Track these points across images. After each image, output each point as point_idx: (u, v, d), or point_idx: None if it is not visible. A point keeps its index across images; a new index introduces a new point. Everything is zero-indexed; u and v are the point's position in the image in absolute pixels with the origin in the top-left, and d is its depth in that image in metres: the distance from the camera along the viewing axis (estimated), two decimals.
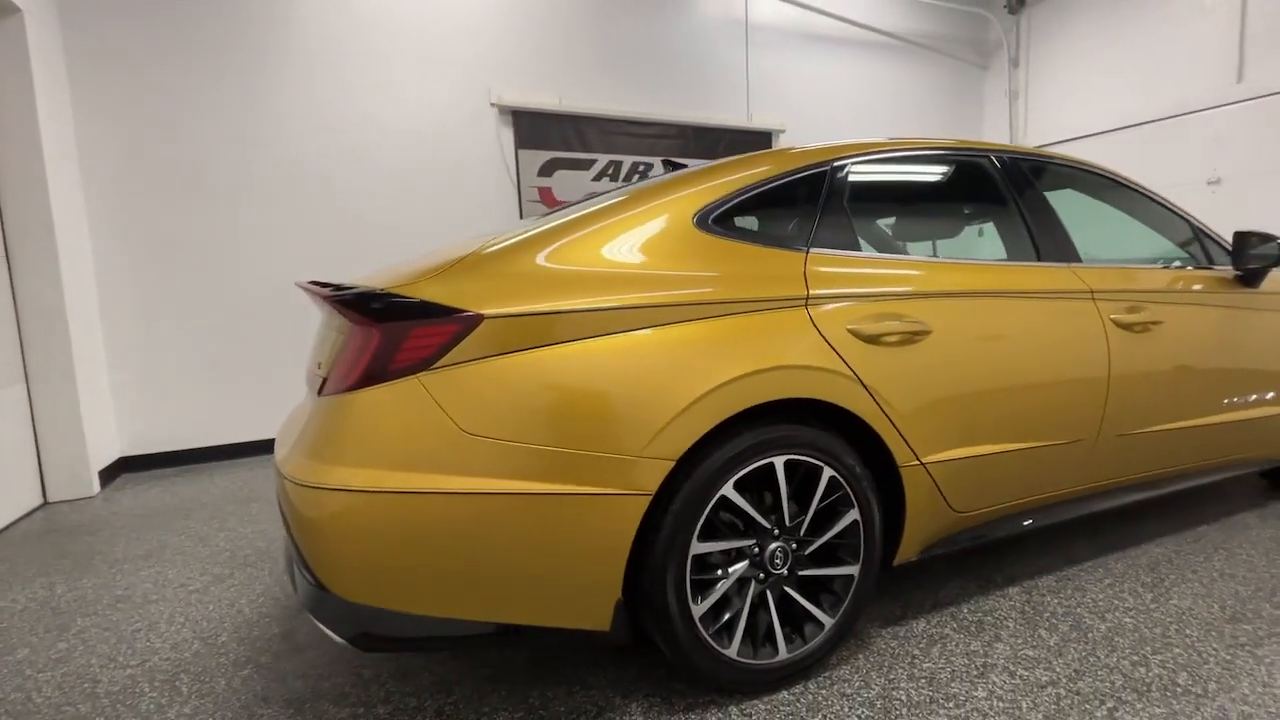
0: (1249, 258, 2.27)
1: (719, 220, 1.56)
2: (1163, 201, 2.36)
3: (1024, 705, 1.46)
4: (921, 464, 1.65)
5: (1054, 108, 5.98)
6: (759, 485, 1.49)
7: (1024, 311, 1.83)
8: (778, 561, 1.50)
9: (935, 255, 2.36)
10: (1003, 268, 1.90)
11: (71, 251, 3.35)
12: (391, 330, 1.25)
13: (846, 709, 1.46)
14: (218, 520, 2.89)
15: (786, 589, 1.53)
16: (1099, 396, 1.94)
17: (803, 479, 1.53)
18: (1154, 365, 2.06)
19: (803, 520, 1.53)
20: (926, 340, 1.65)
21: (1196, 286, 2.24)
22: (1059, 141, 5.82)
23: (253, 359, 3.94)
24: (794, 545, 1.53)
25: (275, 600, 2.09)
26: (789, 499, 1.50)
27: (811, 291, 1.55)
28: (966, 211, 2.36)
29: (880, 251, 1.99)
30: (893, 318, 1.61)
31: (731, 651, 1.46)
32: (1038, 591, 1.98)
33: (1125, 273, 2.09)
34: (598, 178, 4.73)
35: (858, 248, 1.72)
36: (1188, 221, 2.39)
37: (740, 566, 1.48)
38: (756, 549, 1.50)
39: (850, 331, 1.55)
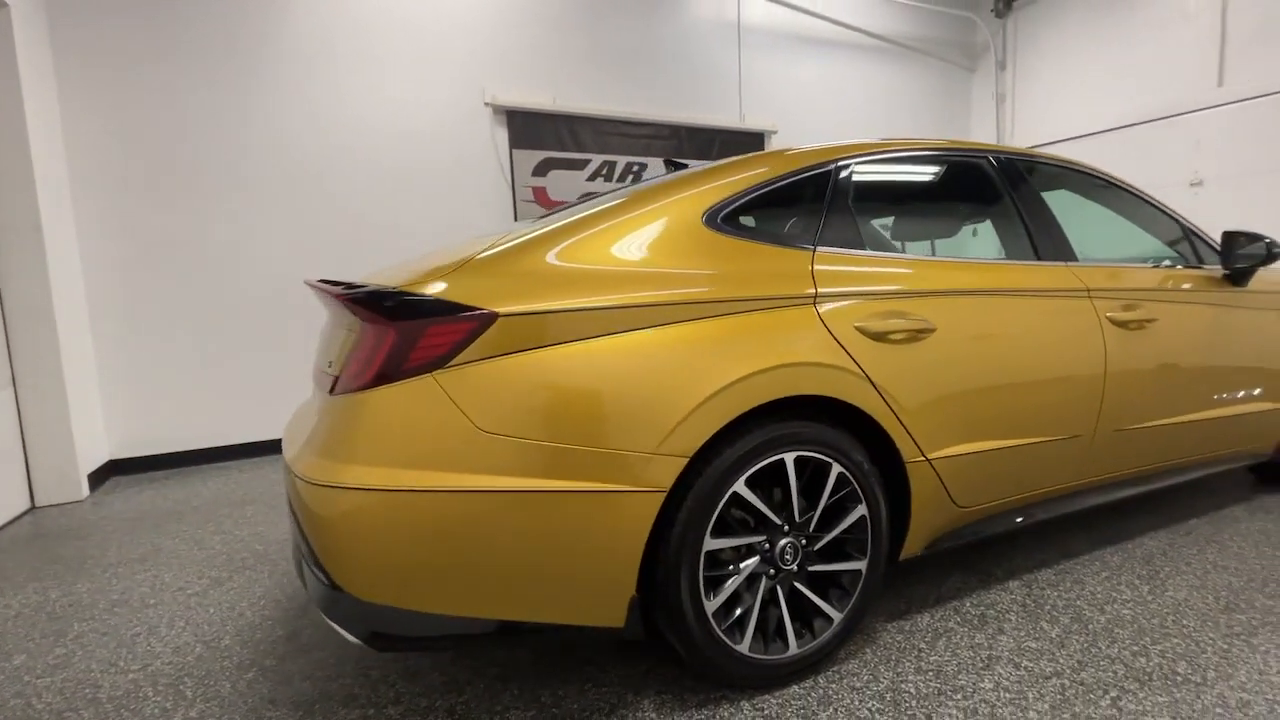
0: (1237, 257, 2.33)
1: (727, 219, 1.58)
2: (1153, 202, 2.41)
3: (1030, 696, 1.48)
4: (927, 460, 1.67)
5: (1040, 110, 6.08)
6: (769, 482, 1.50)
7: (1025, 310, 1.87)
8: (788, 557, 1.52)
9: (936, 254, 2.39)
10: (1004, 267, 1.93)
11: (59, 251, 3.29)
12: (407, 329, 1.25)
13: (857, 702, 1.48)
14: (212, 523, 2.85)
15: (796, 584, 1.55)
16: (1096, 393, 1.98)
17: (812, 475, 1.54)
18: (1148, 362, 2.10)
19: (812, 516, 1.55)
20: (931, 338, 1.67)
21: (1187, 285, 2.29)
22: (1045, 143, 5.91)
23: (244, 360, 3.89)
24: (803, 541, 1.55)
25: (276, 603, 2.07)
26: (798, 495, 1.52)
27: (819, 289, 1.56)
28: (966, 211, 2.39)
29: (883, 250, 2.01)
30: (898, 315, 1.63)
31: (743, 647, 1.47)
32: (1037, 585, 2.02)
33: (1120, 272, 2.13)
34: (592, 178, 4.74)
35: (862, 246, 1.74)
36: (1178, 221, 2.45)
37: (751, 562, 1.49)
38: (767, 545, 1.51)
39: (858, 329, 1.57)
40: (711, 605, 1.43)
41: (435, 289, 1.29)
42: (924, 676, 1.57)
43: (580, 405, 1.30)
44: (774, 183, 1.67)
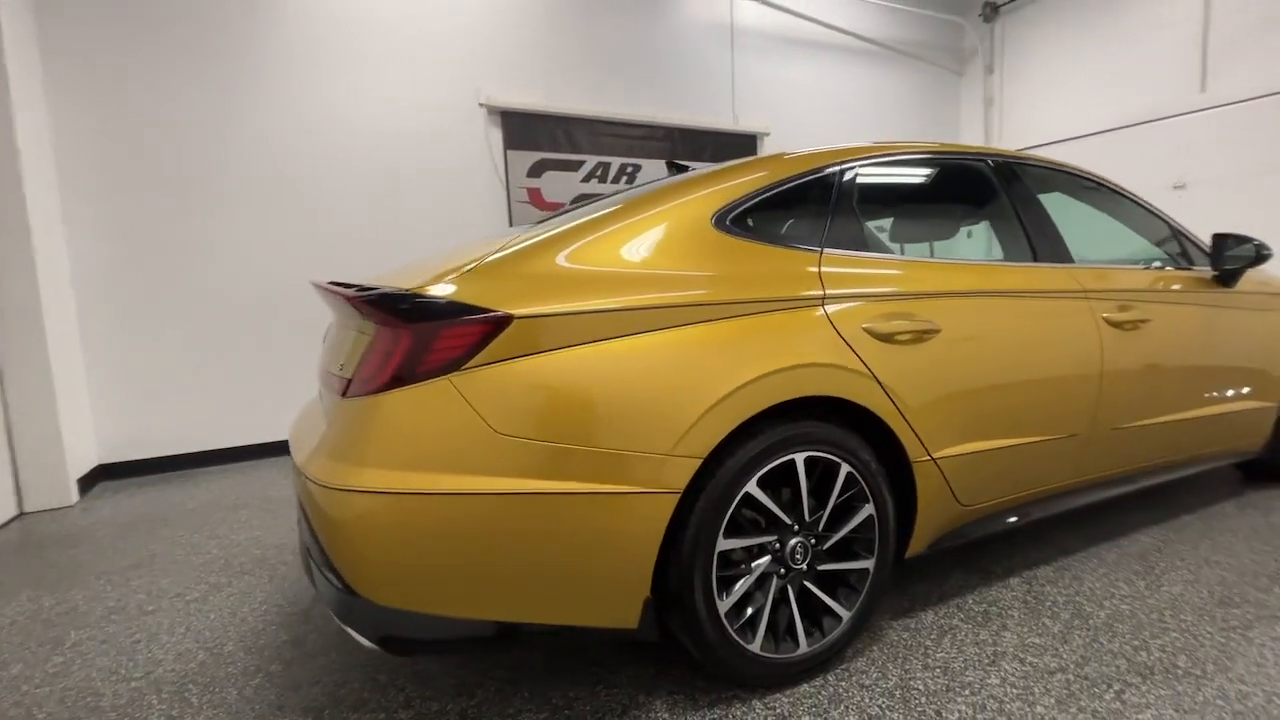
0: (1227, 259, 2.38)
1: (736, 221, 1.59)
2: (1145, 205, 2.46)
3: (1036, 690, 1.51)
4: (932, 459, 1.69)
5: (1027, 113, 6.17)
6: (778, 482, 1.51)
7: (1026, 311, 1.90)
8: (798, 556, 1.53)
9: (935, 255, 2.41)
10: (1005, 268, 1.96)
11: (47, 252, 3.24)
12: (422, 331, 1.24)
13: (867, 699, 1.49)
14: (207, 528, 2.81)
15: (806, 583, 1.56)
16: (1093, 392, 2.01)
17: (820, 475, 1.55)
18: (1142, 362, 2.15)
19: (821, 516, 1.56)
20: (936, 339, 1.69)
21: (1178, 287, 2.33)
22: (1032, 146, 6.00)
23: (236, 363, 3.85)
24: (813, 540, 1.56)
25: (279, 608, 2.05)
26: (808, 495, 1.53)
27: (827, 291, 1.58)
28: (966, 213, 2.42)
29: (888, 252, 2.03)
30: (904, 317, 1.65)
31: (755, 646, 1.48)
32: (1037, 582, 2.04)
33: (1114, 273, 2.17)
34: (586, 179, 4.73)
35: (867, 248, 1.76)
36: (1168, 224, 2.50)
37: (763, 562, 1.50)
38: (778, 544, 1.52)
39: (865, 330, 1.58)
40: (724, 606, 1.43)
41: (449, 291, 1.29)
42: (931, 673, 1.58)
43: (595, 407, 1.30)
44: (780, 185, 1.69)
